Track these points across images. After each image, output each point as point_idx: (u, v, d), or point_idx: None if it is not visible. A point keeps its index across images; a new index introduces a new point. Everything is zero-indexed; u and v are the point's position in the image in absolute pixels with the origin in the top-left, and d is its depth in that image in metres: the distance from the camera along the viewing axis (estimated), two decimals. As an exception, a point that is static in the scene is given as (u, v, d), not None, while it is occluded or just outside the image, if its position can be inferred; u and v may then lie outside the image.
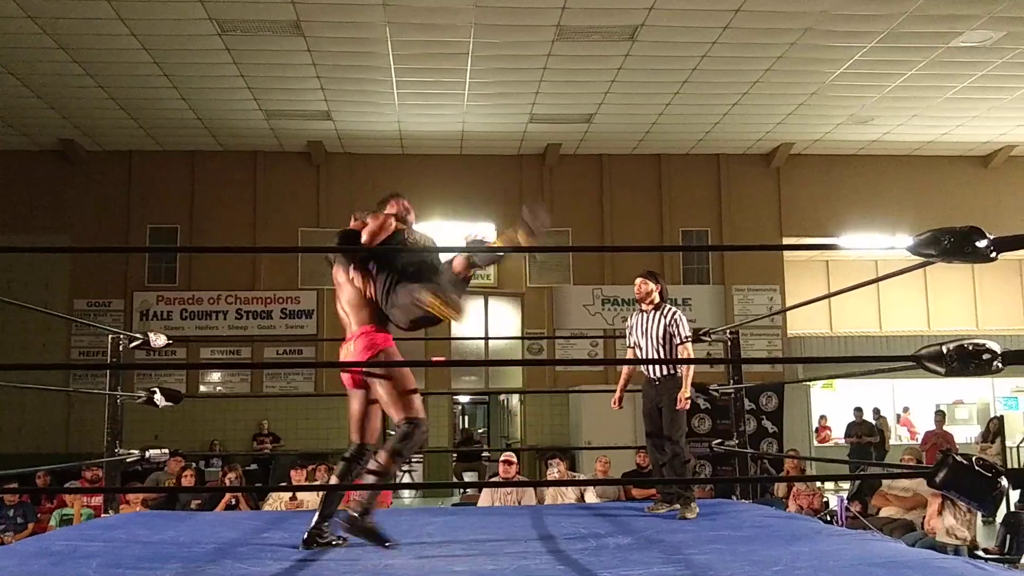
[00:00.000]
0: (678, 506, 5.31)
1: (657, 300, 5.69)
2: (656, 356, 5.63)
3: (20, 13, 10.80)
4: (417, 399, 4.11)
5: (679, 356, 5.67)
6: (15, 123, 14.72)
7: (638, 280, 5.76)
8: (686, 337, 5.63)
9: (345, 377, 4.29)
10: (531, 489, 8.07)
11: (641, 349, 5.73)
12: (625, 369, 6.01)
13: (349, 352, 4.18)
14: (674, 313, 5.66)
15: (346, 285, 4.25)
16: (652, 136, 15.80)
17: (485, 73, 12.90)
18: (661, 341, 5.60)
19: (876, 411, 15.89)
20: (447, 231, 16.04)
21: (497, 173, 16.56)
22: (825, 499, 10.18)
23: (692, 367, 5.59)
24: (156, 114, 14.47)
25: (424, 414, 4.10)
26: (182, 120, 14.71)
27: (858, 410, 15.47)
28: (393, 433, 4.07)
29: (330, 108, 14.27)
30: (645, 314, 5.72)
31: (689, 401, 5.47)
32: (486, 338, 16.24)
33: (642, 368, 5.78)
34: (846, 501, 8.57)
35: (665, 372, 5.56)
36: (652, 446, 5.73)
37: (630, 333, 5.81)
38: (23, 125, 14.84)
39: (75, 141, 15.60)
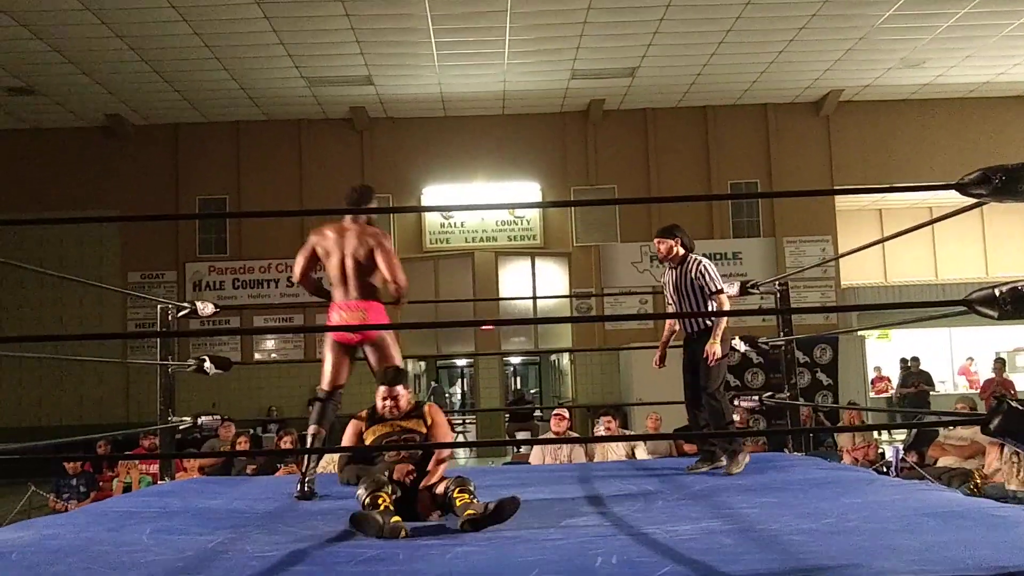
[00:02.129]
0: (723, 462, 5.19)
1: (681, 253, 5.42)
2: (690, 311, 5.40)
3: (61, -10, 10.90)
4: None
5: (711, 308, 5.41)
6: (62, 100, 14.91)
7: (655, 241, 5.49)
8: (717, 288, 5.32)
9: (349, 335, 4.74)
10: (581, 446, 8.06)
11: (675, 305, 5.50)
12: (665, 327, 5.79)
13: (363, 316, 4.66)
14: (699, 264, 5.36)
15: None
16: (697, 88, 15.53)
17: (525, 30, 12.75)
18: (692, 295, 5.37)
19: (902, 361, 15.77)
20: (492, 192, 16.03)
21: (540, 132, 16.44)
22: (881, 450, 10.05)
23: (723, 320, 5.30)
24: (200, 86, 14.56)
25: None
26: (226, 91, 14.79)
27: (914, 360, 15.22)
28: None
29: (371, 73, 14.23)
30: (673, 270, 5.48)
31: (718, 356, 5.18)
32: (534, 297, 16.21)
33: (678, 324, 5.56)
34: (901, 452, 8.44)
35: (701, 326, 5.33)
36: (690, 403, 5.48)
37: (665, 290, 5.61)
38: (70, 102, 15.02)
39: (122, 116, 15.77)
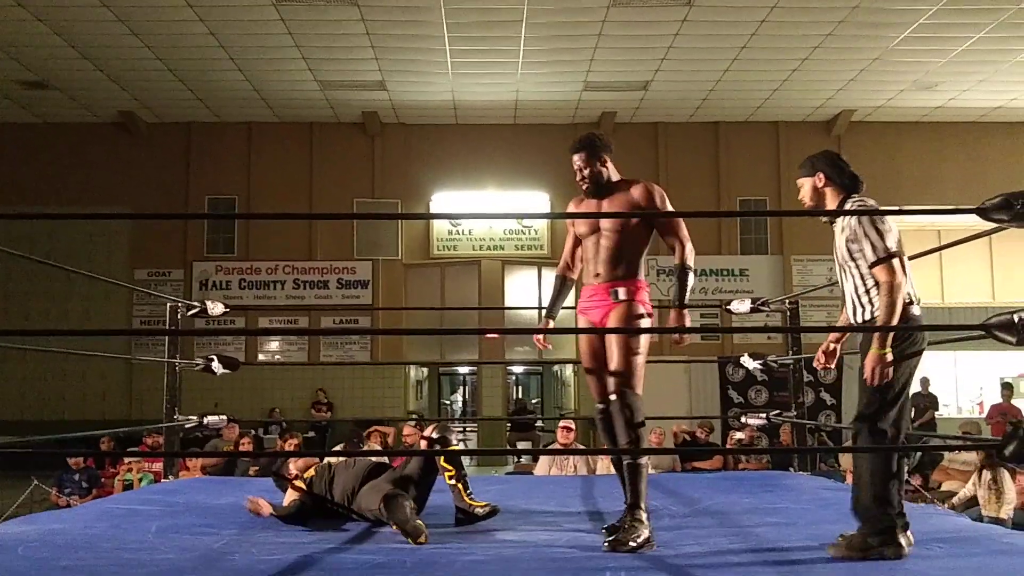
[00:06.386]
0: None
1: (828, 199, 3.71)
2: (852, 294, 3.51)
3: (80, -14, 10.94)
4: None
5: (874, 282, 3.41)
6: (76, 96, 14.93)
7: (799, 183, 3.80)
8: (885, 252, 3.35)
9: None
10: (586, 458, 8.04)
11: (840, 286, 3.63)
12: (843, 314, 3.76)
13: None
14: (853, 218, 3.45)
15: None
16: (709, 104, 15.53)
17: (539, 41, 12.76)
18: (846, 265, 3.50)
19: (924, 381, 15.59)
20: (501, 201, 16.05)
21: (551, 142, 16.38)
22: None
23: (895, 303, 3.29)
24: (213, 86, 14.58)
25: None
26: (239, 91, 14.81)
27: (923, 380, 15.15)
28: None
29: (384, 78, 14.26)
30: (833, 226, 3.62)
31: (883, 371, 3.31)
32: (540, 307, 16.17)
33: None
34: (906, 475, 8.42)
35: (866, 316, 3.46)
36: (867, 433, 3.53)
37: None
38: (84, 98, 15.05)
39: (134, 113, 15.80)
